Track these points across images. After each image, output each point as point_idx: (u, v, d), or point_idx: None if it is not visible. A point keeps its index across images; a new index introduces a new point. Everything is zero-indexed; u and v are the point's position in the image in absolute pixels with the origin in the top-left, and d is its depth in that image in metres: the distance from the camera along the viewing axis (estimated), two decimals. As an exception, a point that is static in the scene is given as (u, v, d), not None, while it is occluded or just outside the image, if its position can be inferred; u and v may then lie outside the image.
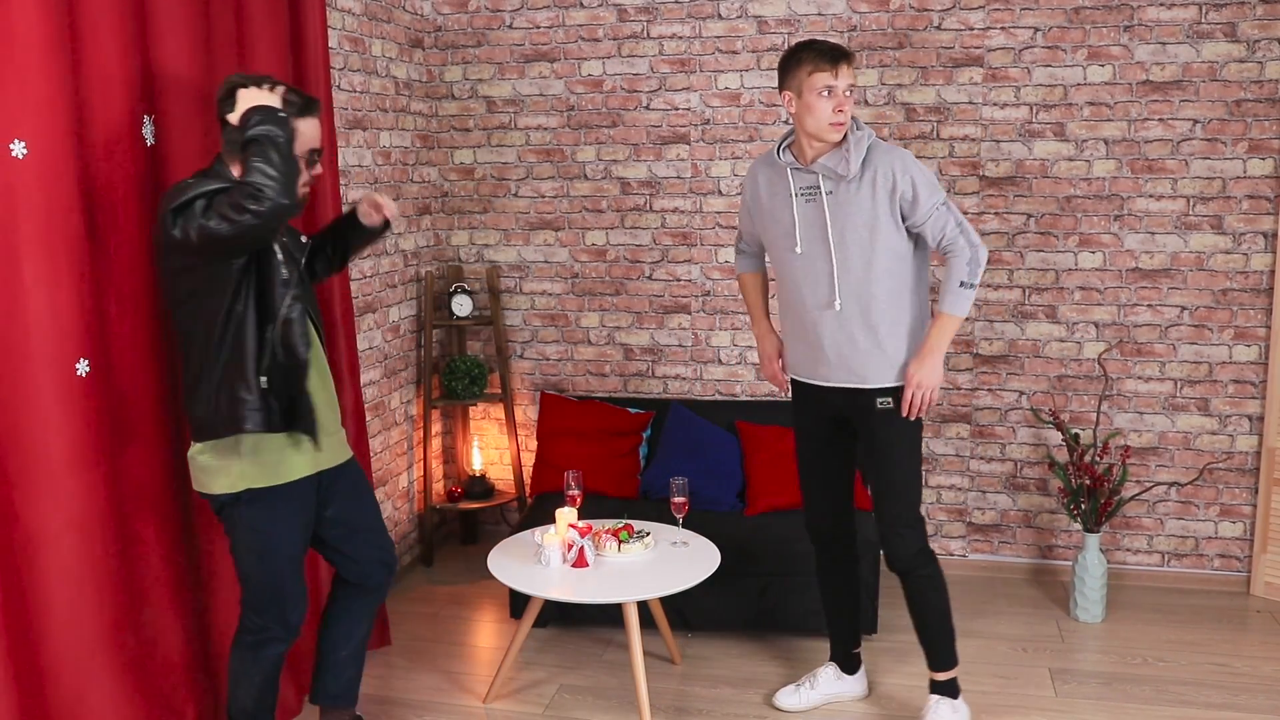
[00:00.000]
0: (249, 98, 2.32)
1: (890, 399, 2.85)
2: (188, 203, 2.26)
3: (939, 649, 3.00)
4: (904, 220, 2.77)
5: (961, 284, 2.76)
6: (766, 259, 3.16)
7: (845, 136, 2.76)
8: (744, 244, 3.20)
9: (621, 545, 3.18)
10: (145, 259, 2.61)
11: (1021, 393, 4.18)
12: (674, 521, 3.66)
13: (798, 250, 2.84)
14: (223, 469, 2.44)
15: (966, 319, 4.16)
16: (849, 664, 3.25)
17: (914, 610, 2.98)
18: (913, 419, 2.85)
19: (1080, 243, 4.06)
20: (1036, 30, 3.97)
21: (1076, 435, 3.85)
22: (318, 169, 2.53)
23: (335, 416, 2.66)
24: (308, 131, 2.46)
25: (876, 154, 2.76)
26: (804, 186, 2.83)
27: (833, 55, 2.70)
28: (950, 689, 3.04)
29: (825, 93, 2.69)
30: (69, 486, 2.43)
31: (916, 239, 2.82)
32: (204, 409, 2.41)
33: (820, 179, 2.79)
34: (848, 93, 2.72)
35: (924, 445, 4.27)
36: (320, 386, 2.59)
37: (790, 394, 3.09)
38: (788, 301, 2.94)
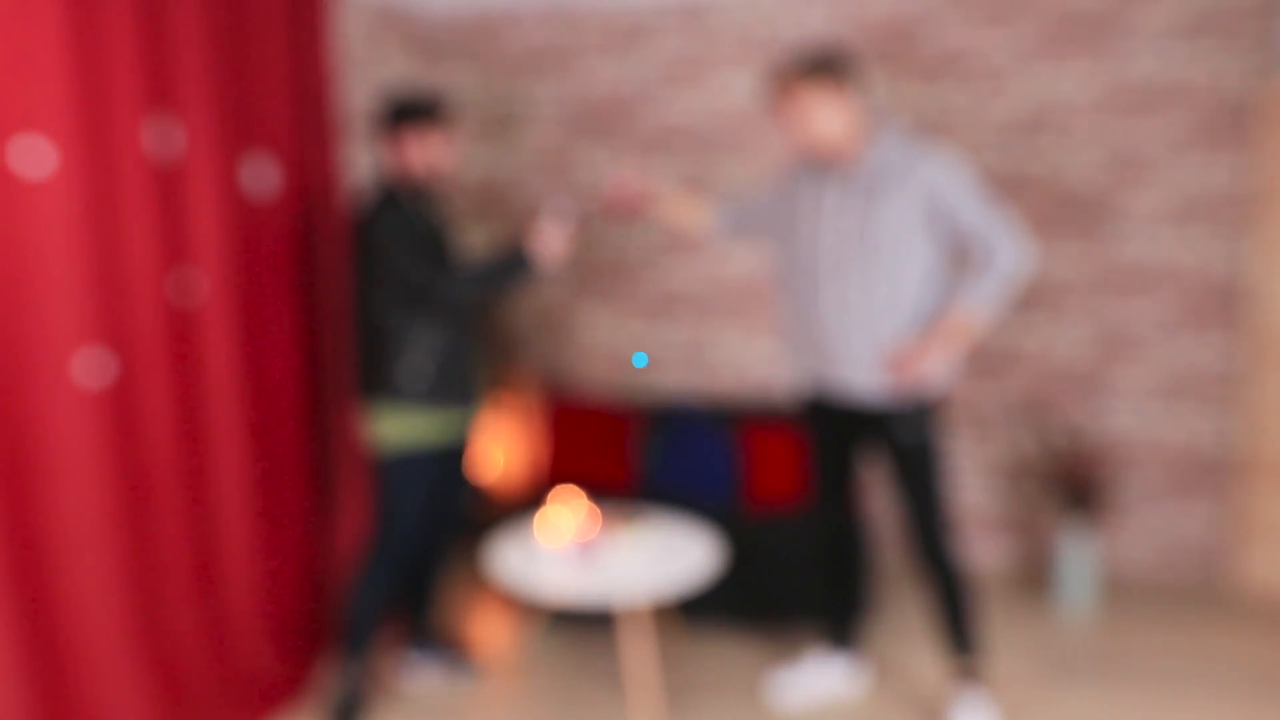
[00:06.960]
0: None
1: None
2: None
3: (968, 650, 3.04)
4: None
5: None
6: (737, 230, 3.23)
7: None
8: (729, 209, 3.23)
9: (622, 545, 3.20)
10: (153, 258, 2.62)
11: (1016, 393, 4.22)
12: (673, 521, 3.67)
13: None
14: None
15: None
16: (848, 660, 3.28)
17: (943, 613, 3.01)
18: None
19: (1073, 244, 4.10)
20: (1035, 32, 4.00)
21: (1070, 435, 3.89)
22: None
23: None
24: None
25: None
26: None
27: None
28: (980, 696, 3.08)
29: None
30: (80, 485, 2.44)
31: None
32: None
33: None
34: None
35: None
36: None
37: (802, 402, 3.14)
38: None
